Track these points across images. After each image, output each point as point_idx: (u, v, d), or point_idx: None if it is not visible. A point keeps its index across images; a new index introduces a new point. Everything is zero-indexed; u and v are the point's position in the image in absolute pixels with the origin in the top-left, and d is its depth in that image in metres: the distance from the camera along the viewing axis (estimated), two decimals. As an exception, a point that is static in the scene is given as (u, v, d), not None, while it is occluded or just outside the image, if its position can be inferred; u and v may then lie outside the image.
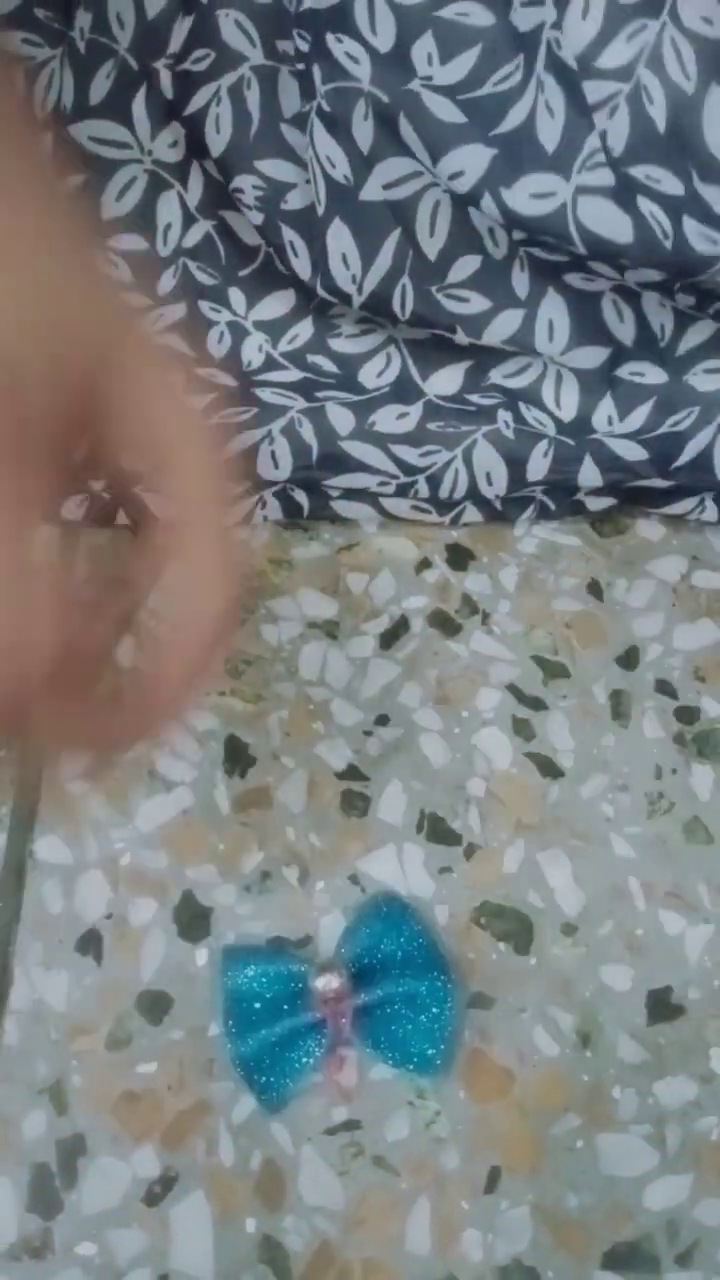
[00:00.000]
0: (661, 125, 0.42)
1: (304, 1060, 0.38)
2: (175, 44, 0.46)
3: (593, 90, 0.41)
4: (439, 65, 0.43)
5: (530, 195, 0.43)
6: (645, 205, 0.43)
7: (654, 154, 0.42)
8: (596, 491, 0.51)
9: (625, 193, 0.43)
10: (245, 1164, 0.37)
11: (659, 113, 0.41)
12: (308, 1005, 0.38)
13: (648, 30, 0.41)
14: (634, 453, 0.50)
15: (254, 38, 0.45)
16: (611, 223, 0.43)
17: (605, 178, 0.42)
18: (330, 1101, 0.38)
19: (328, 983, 0.38)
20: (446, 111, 0.43)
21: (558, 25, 0.41)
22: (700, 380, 0.50)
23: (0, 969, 0.40)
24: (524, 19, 0.42)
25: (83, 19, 0.45)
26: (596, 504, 0.52)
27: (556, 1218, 0.36)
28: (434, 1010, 0.38)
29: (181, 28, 0.45)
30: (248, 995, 0.39)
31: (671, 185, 0.42)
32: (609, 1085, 0.39)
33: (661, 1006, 0.40)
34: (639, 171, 0.42)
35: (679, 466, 0.50)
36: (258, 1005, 0.38)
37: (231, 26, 0.45)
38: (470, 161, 0.43)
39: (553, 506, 0.51)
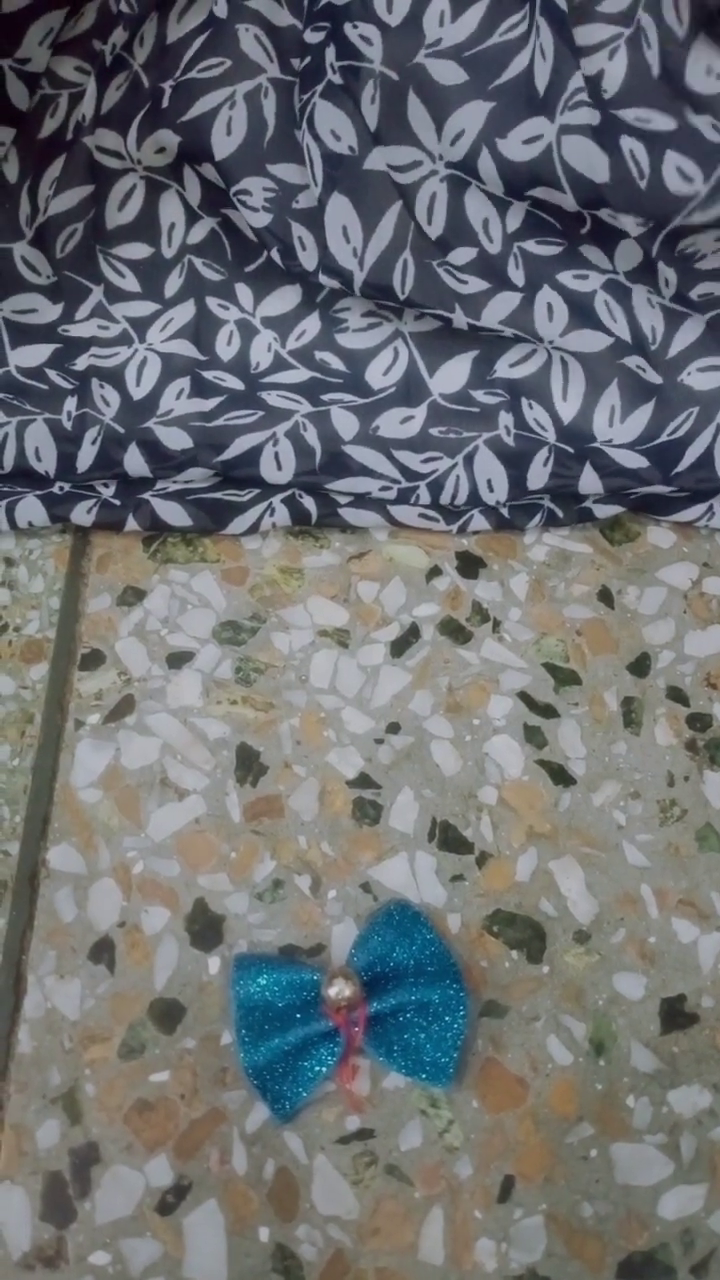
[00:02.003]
0: (655, 69, 0.42)
1: (317, 1069, 0.38)
2: (184, 63, 0.46)
3: (594, 33, 0.42)
4: (449, 24, 0.43)
5: (521, 142, 0.44)
6: (627, 143, 0.43)
7: (647, 96, 0.43)
8: (603, 499, 0.51)
9: (608, 132, 0.43)
10: (258, 1173, 0.37)
11: (654, 56, 0.42)
12: (320, 1014, 0.38)
13: None
14: (634, 460, 0.50)
15: (271, 53, 0.46)
16: (590, 159, 0.44)
17: (587, 116, 0.43)
18: (343, 1110, 0.38)
19: (340, 991, 0.38)
20: (450, 74, 0.44)
21: None
22: (696, 379, 0.50)
23: (13, 977, 0.40)
24: None
25: (118, 36, 0.46)
26: (604, 511, 0.52)
27: (571, 1227, 0.36)
28: (446, 1019, 0.38)
29: (193, 47, 0.46)
30: (260, 1004, 0.39)
31: (662, 123, 0.43)
32: (623, 1094, 0.38)
33: (675, 1015, 0.40)
34: (629, 114, 0.43)
35: (680, 471, 0.50)
36: (270, 1014, 0.38)
37: (251, 40, 0.45)
38: (469, 120, 0.44)
39: (560, 514, 0.52)
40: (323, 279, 0.49)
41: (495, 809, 0.44)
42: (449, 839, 0.43)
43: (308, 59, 0.46)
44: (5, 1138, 0.37)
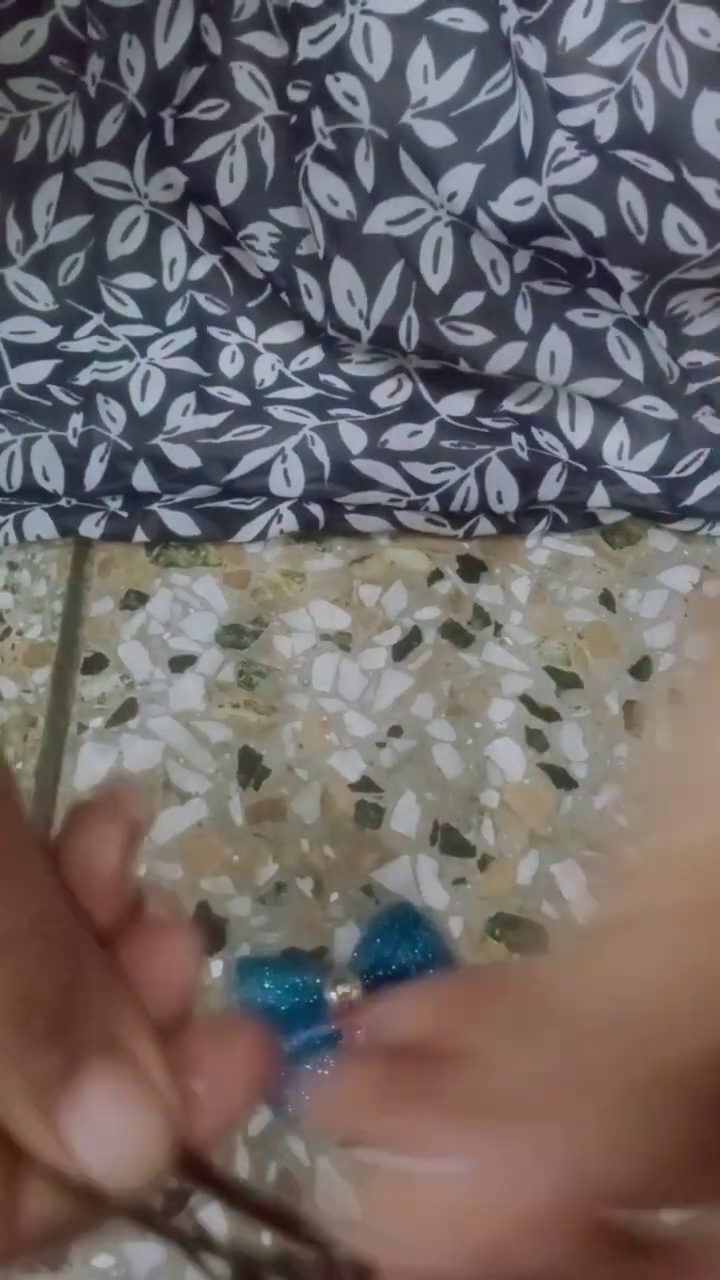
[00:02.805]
0: (650, 126, 0.42)
1: (319, 1072, 0.38)
2: (182, 93, 0.46)
3: (583, 84, 0.42)
4: (434, 80, 0.43)
5: (514, 203, 0.44)
6: (625, 194, 0.43)
7: (641, 146, 0.43)
8: (609, 507, 0.51)
9: (603, 182, 0.43)
10: (261, 1176, 0.37)
11: (648, 115, 0.42)
12: (323, 1017, 0.38)
13: (644, 33, 0.41)
14: (645, 486, 0.50)
15: (267, 89, 0.46)
16: (585, 214, 0.44)
17: (575, 174, 0.43)
18: (346, 1113, 0.38)
19: (343, 994, 0.38)
20: (438, 135, 0.44)
21: (525, 30, 0.42)
22: (710, 421, 0.50)
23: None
24: (506, 23, 0.43)
25: (95, 65, 0.46)
26: (609, 517, 0.52)
27: (573, 1231, 0.36)
28: (449, 1022, 0.38)
29: (190, 77, 0.46)
30: (262, 1007, 0.39)
31: (660, 171, 0.43)
32: (625, 1097, 0.38)
33: (677, 1018, 0.40)
34: (628, 155, 0.43)
35: (688, 505, 0.50)
36: (272, 1018, 0.38)
37: (245, 79, 0.46)
38: (461, 183, 0.44)
39: (565, 519, 0.52)
40: (331, 333, 0.49)
41: (497, 812, 0.44)
42: (451, 842, 0.44)
43: (294, 118, 0.46)
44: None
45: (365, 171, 0.46)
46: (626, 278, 0.46)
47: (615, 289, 0.47)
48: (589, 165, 0.43)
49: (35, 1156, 0.21)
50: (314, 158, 0.46)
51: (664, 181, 0.43)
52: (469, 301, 0.48)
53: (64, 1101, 0.20)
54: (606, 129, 0.43)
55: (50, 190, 0.49)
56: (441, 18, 0.43)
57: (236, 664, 0.48)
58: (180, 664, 0.48)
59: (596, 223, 0.44)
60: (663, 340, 0.49)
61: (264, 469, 0.50)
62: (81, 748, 0.45)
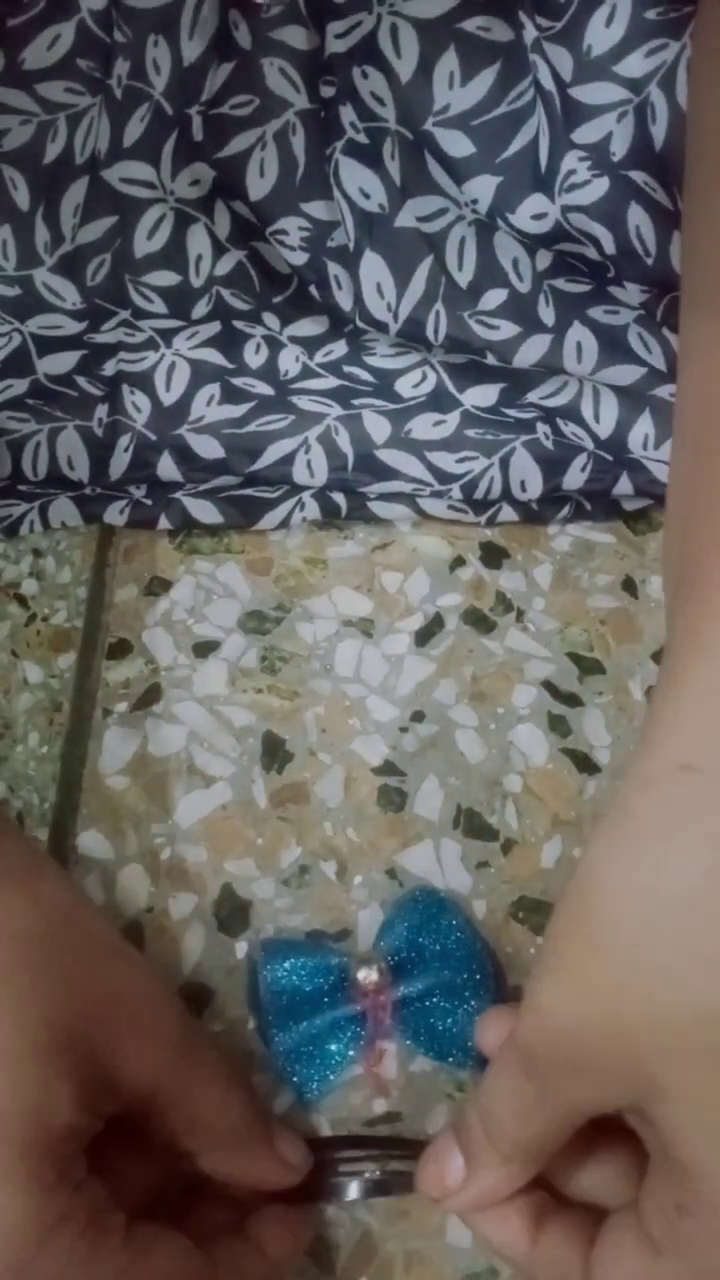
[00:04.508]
0: (659, 144, 0.42)
1: (344, 1053, 0.38)
2: (210, 90, 0.46)
3: (605, 93, 0.42)
4: (459, 88, 0.43)
5: (530, 217, 0.45)
6: (634, 218, 0.43)
7: (649, 168, 0.43)
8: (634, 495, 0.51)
9: (614, 205, 0.43)
10: (286, 1155, 0.37)
11: (660, 132, 0.42)
12: (347, 998, 0.38)
13: (667, 50, 0.41)
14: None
15: (297, 84, 0.46)
16: (596, 233, 0.44)
17: (586, 195, 0.43)
18: (370, 1094, 0.38)
19: (367, 975, 0.38)
20: (458, 145, 0.44)
21: (550, 39, 0.42)
22: None
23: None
24: (528, 37, 0.42)
25: (120, 66, 0.46)
26: (633, 504, 0.52)
27: (598, 1212, 0.36)
28: (474, 1003, 0.38)
29: (218, 74, 0.46)
30: (287, 988, 0.39)
31: (663, 198, 0.43)
32: (650, 1080, 0.38)
33: (702, 1001, 0.40)
34: (638, 176, 0.43)
35: None
36: (297, 998, 0.39)
37: (276, 75, 0.46)
38: (481, 192, 0.45)
39: (589, 506, 0.52)
40: (359, 325, 0.49)
41: (520, 797, 0.44)
42: (474, 826, 0.44)
43: (323, 112, 0.46)
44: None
45: (393, 168, 0.46)
46: (635, 291, 0.46)
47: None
48: (600, 187, 0.44)
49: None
50: (344, 151, 0.46)
51: (667, 209, 0.43)
52: (494, 298, 0.48)
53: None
54: (621, 144, 0.43)
55: (77, 193, 0.49)
56: (470, 25, 0.43)
57: (259, 649, 0.48)
58: (204, 649, 0.48)
59: (607, 241, 0.45)
60: (676, 343, 0.48)
61: (288, 459, 0.50)
62: (106, 732, 0.46)
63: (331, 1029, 0.38)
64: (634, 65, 0.41)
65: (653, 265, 0.45)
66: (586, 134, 0.43)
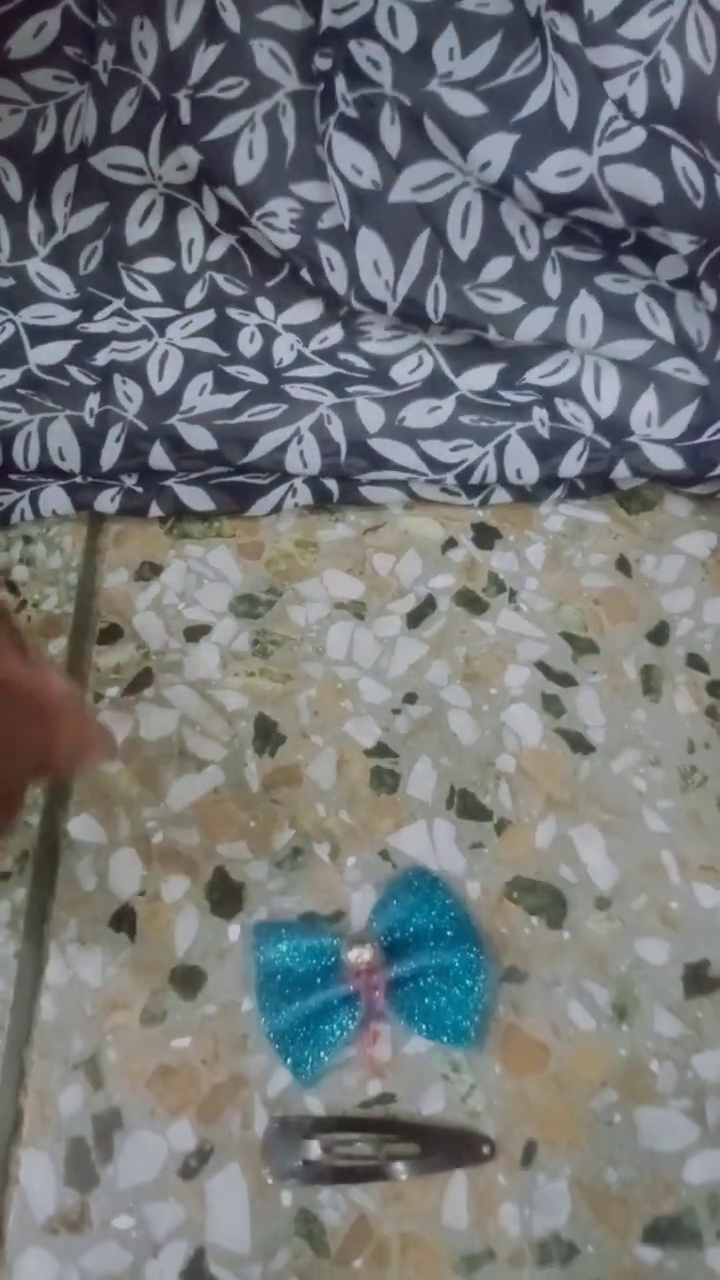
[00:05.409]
0: (676, 101, 0.42)
1: (338, 1034, 0.38)
2: (198, 73, 0.46)
3: (613, 56, 0.42)
4: (460, 59, 0.43)
5: (557, 174, 0.44)
6: (679, 160, 0.42)
7: (673, 123, 0.42)
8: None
9: (656, 151, 0.43)
10: (280, 1137, 0.37)
11: (675, 89, 0.41)
12: (340, 979, 0.38)
13: (673, 6, 0.41)
14: (670, 461, 0.49)
15: (287, 64, 0.46)
16: (640, 184, 0.43)
17: (628, 142, 0.42)
18: (364, 1075, 0.38)
19: (360, 955, 0.38)
20: (467, 105, 0.44)
21: (553, 6, 0.41)
22: None
23: (36, 946, 0.40)
24: (532, 3, 0.42)
25: (106, 52, 0.46)
26: (627, 484, 0.51)
27: (595, 1192, 0.36)
28: (467, 982, 0.38)
29: (206, 56, 0.46)
30: (280, 969, 0.39)
31: (692, 148, 0.42)
32: (647, 1059, 0.38)
33: (698, 980, 0.40)
34: (667, 130, 0.42)
35: (716, 475, 0.49)
36: (290, 979, 0.38)
37: (266, 56, 0.45)
38: (496, 151, 0.44)
39: (582, 486, 0.51)
40: (356, 306, 0.49)
41: (514, 777, 0.44)
42: (467, 806, 0.43)
43: (321, 85, 0.45)
44: (29, 1104, 0.37)
45: (391, 137, 0.45)
46: (683, 241, 0.45)
47: (654, 255, 0.46)
48: (639, 134, 0.43)
49: None
50: (338, 126, 0.46)
51: (704, 160, 0.42)
52: (498, 267, 0.47)
53: None
54: (639, 105, 0.42)
55: (67, 181, 0.49)
56: (469, 4, 0.42)
57: (251, 633, 0.48)
58: (195, 633, 0.48)
59: (653, 190, 0.43)
60: (712, 300, 0.47)
61: (280, 449, 0.50)
62: (98, 717, 0.46)
63: (325, 1010, 0.38)
64: (641, 25, 0.41)
65: (703, 207, 0.44)
66: (609, 90, 0.42)
